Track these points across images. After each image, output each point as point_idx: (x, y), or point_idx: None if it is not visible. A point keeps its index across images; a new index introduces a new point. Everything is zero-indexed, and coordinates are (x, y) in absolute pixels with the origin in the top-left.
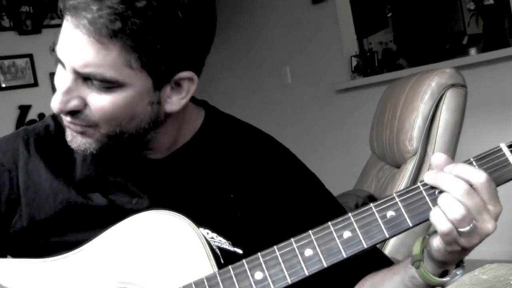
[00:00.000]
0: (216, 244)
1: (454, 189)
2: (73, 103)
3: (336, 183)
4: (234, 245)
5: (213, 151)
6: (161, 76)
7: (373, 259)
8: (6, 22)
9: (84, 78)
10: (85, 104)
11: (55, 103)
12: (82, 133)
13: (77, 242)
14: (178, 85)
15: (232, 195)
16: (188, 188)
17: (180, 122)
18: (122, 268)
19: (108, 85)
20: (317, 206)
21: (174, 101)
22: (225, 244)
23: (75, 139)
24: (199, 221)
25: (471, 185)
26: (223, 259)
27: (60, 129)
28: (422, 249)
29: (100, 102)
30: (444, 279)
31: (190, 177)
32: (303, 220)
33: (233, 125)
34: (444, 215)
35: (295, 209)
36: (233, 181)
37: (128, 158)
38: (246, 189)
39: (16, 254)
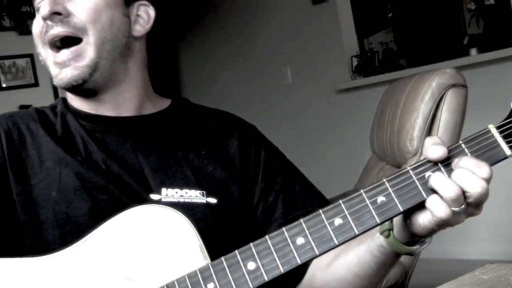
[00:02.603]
0: (187, 200)
1: (469, 185)
2: (60, 6)
3: (336, 183)
4: (208, 195)
5: (183, 118)
6: None
7: None
8: (6, 22)
9: None
10: (69, 11)
11: (45, 6)
12: (75, 58)
13: (55, 209)
14: (138, 16)
15: (203, 152)
16: (161, 145)
17: (144, 79)
18: (116, 263)
19: None
20: (276, 159)
21: (139, 27)
22: (197, 198)
23: (65, 72)
24: (170, 178)
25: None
26: (195, 214)
27: (40, 111)
28: None
29: (84, 2)
30: (414, 247)
31: (162, 136)
32: (266, 170)
33: (200, 105)
34: (441, 201)
35: (258, 162)
36: (203, 141)
37: (103, 117)
38: (215, 147)
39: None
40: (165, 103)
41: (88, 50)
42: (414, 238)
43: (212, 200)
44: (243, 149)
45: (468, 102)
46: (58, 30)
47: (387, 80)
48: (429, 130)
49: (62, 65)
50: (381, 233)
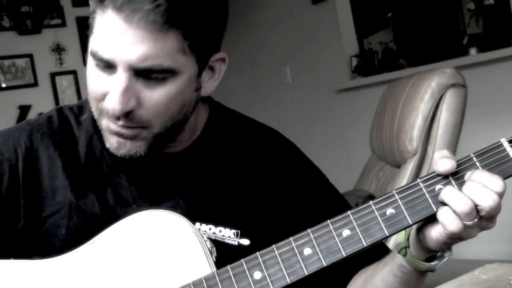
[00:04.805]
0: (219, 239)
1: (482, 199)
2: (131, 103)
3: (336, 183)
4: (241, 235)
5: (220, 144)
6: (204, 60)
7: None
8: (6, 22)
9: (138, 74)
10: (139, 104)
11: (115, 105)
12: (133, 138)
13: (65, 246)
14: (211, 68)
15: (240, 186)
16: (199, 175)
17: (196, 112)
18: (120, 269)
19: (164, 75)
20: (321, 197)
21: (209, 85)
22: (229, 239)
23: (123, 145)
24: (205, 213)
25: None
26: (224, 254)
27: (63, 120)
28: (407, 236)
29: (155, 96)
30: (433, 263)
31: (201, 170)
32: (308, 210)
33: (237, 119)
34: (454, 214)
35: (300, 199)
36: (240, 173)
37: (146, 155)
38: (253, 180)
39: (18, 253)
40: (204, 115)
41: (148, 136)
42: (433, 253)
43: (245, 242)
44: (284, 182)
45: (468, 102)
46: (120, 124)
47: (386, 80)
48: (428, 130)
49: (119, 135)
50: (399, 252)
